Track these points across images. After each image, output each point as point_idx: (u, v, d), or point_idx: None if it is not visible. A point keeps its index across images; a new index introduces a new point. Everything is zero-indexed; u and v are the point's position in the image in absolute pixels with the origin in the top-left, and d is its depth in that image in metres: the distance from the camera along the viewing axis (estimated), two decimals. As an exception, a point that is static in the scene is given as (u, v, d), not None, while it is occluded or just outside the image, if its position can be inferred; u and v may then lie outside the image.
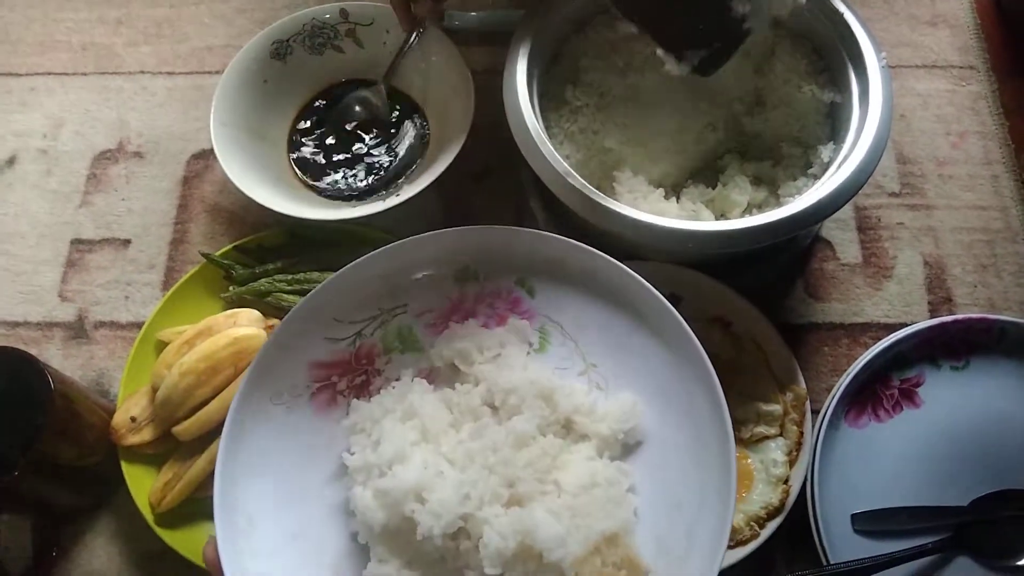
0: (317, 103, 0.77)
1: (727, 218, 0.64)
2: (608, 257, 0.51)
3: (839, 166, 0.61)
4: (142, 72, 0.84)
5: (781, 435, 0.61)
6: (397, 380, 0.50)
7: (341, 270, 0.51)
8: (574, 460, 0.47)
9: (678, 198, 0.65)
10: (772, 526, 0.58)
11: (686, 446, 0.47)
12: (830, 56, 0.67)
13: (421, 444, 0.47)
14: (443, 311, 0.53)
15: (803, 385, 0.62)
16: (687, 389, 0.48)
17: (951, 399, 0.63)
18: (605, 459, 0.48)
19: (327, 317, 0.51)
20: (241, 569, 0.43)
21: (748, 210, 0.65)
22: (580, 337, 0.52)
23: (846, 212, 0.73)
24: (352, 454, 0.48)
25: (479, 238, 0.52)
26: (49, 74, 0.84)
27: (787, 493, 0.59)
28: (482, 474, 0.45)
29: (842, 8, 0.66)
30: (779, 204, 0.64)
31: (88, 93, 0.83)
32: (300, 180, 0.74)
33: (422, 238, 0.52)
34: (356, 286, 0.51)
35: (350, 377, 0.51)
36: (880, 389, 0.63)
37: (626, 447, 0.49)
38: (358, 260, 0.51)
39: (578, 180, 0.58)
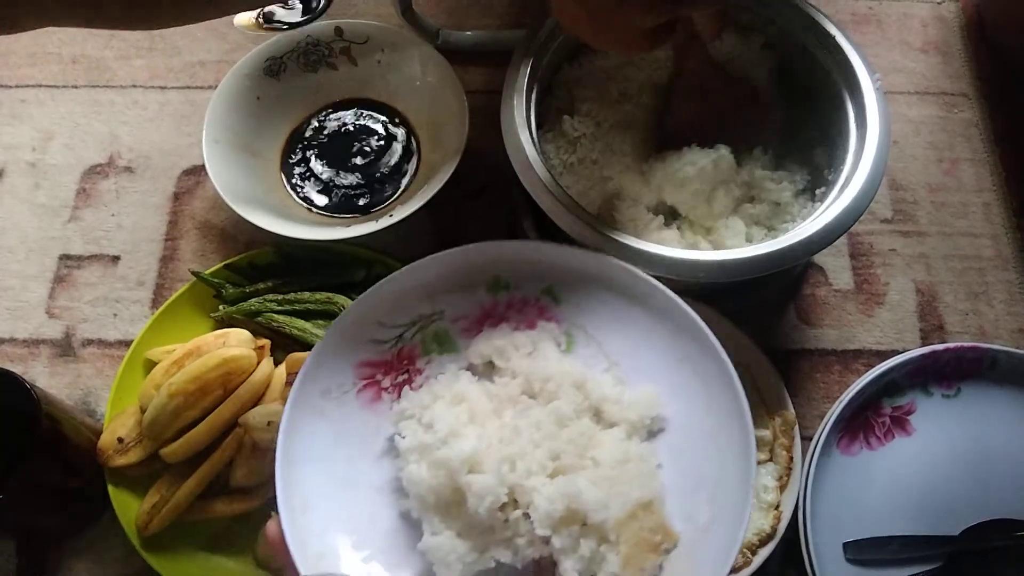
0: (311, 121, 0.77)
1: (726, 247, 0.64)
2: (625, 264, 0.55)
3: (839, 191, 0.61)
4: (134, 86, 0.83)
5: (771, 460, 0.61)
6: (440, 374, 0.55)
7: (383, 280, 0.56)
8: (607, 441, 0.51)
9: (679, 227, 0.65)
10: (764, 553, 0.58)
11: (706, 429, 0.51)
12: (820, 80, 0.67)
13: (471, 425, 0.51)
14: (476, 317, 0.57)
15: (792, 410, 0.62)
16: (703, 377, 0.52)
17: (943, 427, 0.63)
18: (635, 440, 0.51)
19: (371, 321, 0.56)
20: (302, 544, 0.47)
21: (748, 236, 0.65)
22: (603, 338, 0.56)
23: (839, 238, 0.73)
24: (403, 438, 0.51)
25: (509, 251, 0.57)
26: (40, 86, 0.83)
27: (778, 519, 0.59)
28: (528, 447, 0.49)
29: (834, 31, 0.66)
30: (776, 231, 0.64)
31: (79, 106, 0.82)
32: (292, 198, 0.74)
33: (456, 251, 0.56)
34: (397, 294, 0.56)
35: (393, 376, 0.55)
36: (872, 417, 0.63)
37: (651, 432, 0.53)
38: (398, 271, 0.56)
39: (580, 211, 0.58)
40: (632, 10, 0.52)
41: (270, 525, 0.48)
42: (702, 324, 0.52)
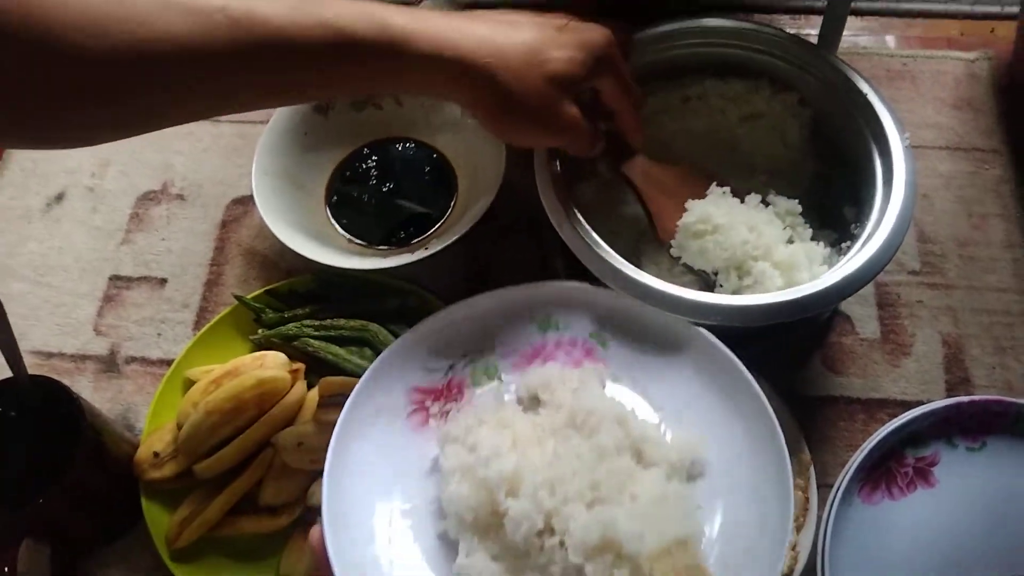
0: (355, 156, 0.80)
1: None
2: (677, 317, 0.57)
3: (864, 243, 0.62)
4: (190, 119, 0.87)
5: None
6: (489, 401, 0.57)
7: (441, 311, 0.58)
8: (646, 479, 0.51)
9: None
10: (781, 597, 0.58)
11: (745, 477, 0.52)
12: (852, 136, 0.69)
13: (513, 450, 0.52)
14: (526, 353, 0.59)
15: (807, 451, 0.63)
16: (747, 427, 0.53)
17: (967, 480, 0.63)
18: (674, 481, 0.52)
19: (424, 350, 0.58)
20: (342, 553, 0.48)
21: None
22: (648, 382, 0.57)
23: (866, 288, 0.72)
24: (447, 459, 0.53)
25: (561, 292, 0.60)
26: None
27: (795, 560, 0.59)
28: (568, 475, 0.50)
29: (866, 89, 0.68)
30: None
31: (137, 137, 0.86)
32: (334, 229, 0.77)
33: (511, 290, 0.59)
34: (451, 324, 0.58)
35: (442, 403, 0.57)
36: (894, 466, 0.63)
37: (691, 476, 0.54)
38: (457, 304, 0.58)
39: (608, 252, 0.60)
40: (559, 91, 0.54)
41: (314, 531, 0.49)
42: (748, 376, 0.53)
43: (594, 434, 0.53)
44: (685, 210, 0.64)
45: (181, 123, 0.49)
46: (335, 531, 0.49)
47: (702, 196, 0.65)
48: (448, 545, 0.52)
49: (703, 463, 0.53)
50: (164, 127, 0.49)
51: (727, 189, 0.65)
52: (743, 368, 0.53)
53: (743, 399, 0.53)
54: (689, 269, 0.65)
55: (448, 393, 0.58)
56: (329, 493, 0.50)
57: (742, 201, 0.66)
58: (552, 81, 0.53)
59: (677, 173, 0.67)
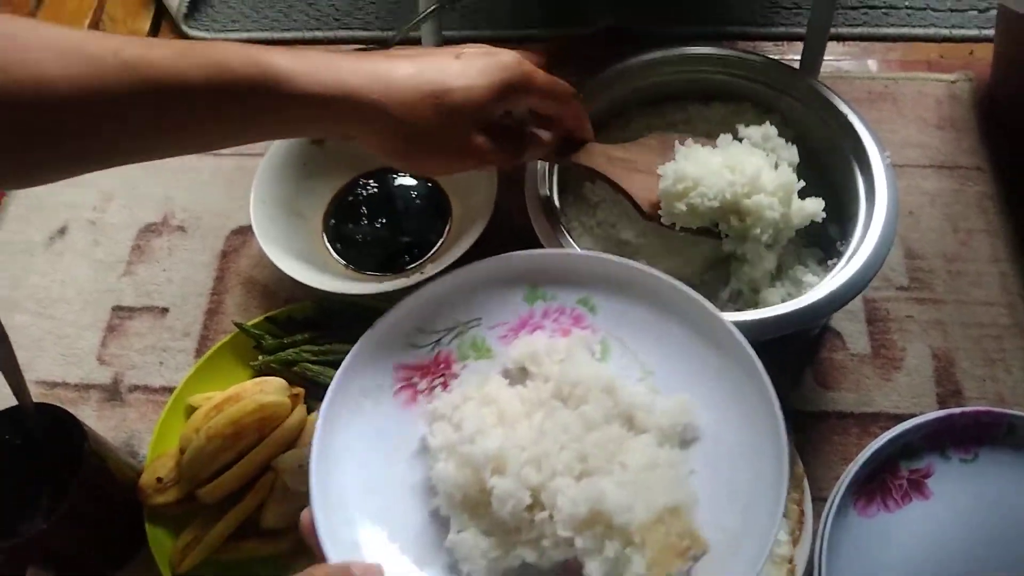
0: (352, 185, 0.82)
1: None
2: (663, 276, 0.56)
3: (849, 258, 0.64)
4: (189, 153, 0.89)
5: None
6: (473, 377, 0.56)
7: (423, 286, 0.58)
8: (636, 446, 0.51)
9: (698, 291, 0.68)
10: (780, 610, 0.59)
11: (740, 441, 0.51)
12: (835, 156, 0.70)
13: (499, 426, 0.52)
14: (513, 325, 0.58)
15: (800, 464, 0.63)
16: (739, 389, 0.52)
17: (961, 491, 0.63)
18: (666, 447, 0.52)
19: (410, 326, 0.57)
20: (332, 534, 0.48)
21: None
22: (638, 348, 0.57)
23: (855, 304, 0.75)
24: (434, 437, 0.53)
25: (546, 260, 0.59)
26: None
27: (792, 573, 0.59)
28: (554, 449, 0.50)
29: (846, 110, 0.70)
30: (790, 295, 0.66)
31: (138, 170, 0.84)
32: (332, 256, 0.78)
33: (494, 260, 0.58)
34: (435, 300, 0.58)
35: (429, 379, 0.57)
36: (889, 479, 0.64)
37: (683, 441, 0.53)
38: (438, 279, 0.58)
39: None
40: (460, 122, 0.53)
41: (304, 514, 0.49)
42: (740, 336, 0.53)
43: (581, 405, 0.52)
44: (660, 177, 0.63)
45: (96, 169, 0.49)
46: (325, 514, 0.49)
47: (671, 158, 0.64)
48: (440, 521, 0.51)
49: (695, 428, 0.53)
50: (77, 173, 0.49)
51: (690, 140, 0.65)
52: (733, 328, 0.53)
53: (734, 360, 0.53)
54: (691, 231, 0.64)
55: (435, 369, 0.57)
56: (317, 476, 0.50)
57: (715, 146, 0.65)
58: (452, 113, 0.52)
59: (640, 147, 0.66)
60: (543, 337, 0.57)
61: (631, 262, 0.58)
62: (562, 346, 0.56)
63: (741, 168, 0.61)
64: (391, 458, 0.54)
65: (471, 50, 0.55)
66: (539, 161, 0.67)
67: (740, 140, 0.66)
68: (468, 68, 0.53)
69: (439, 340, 0.58)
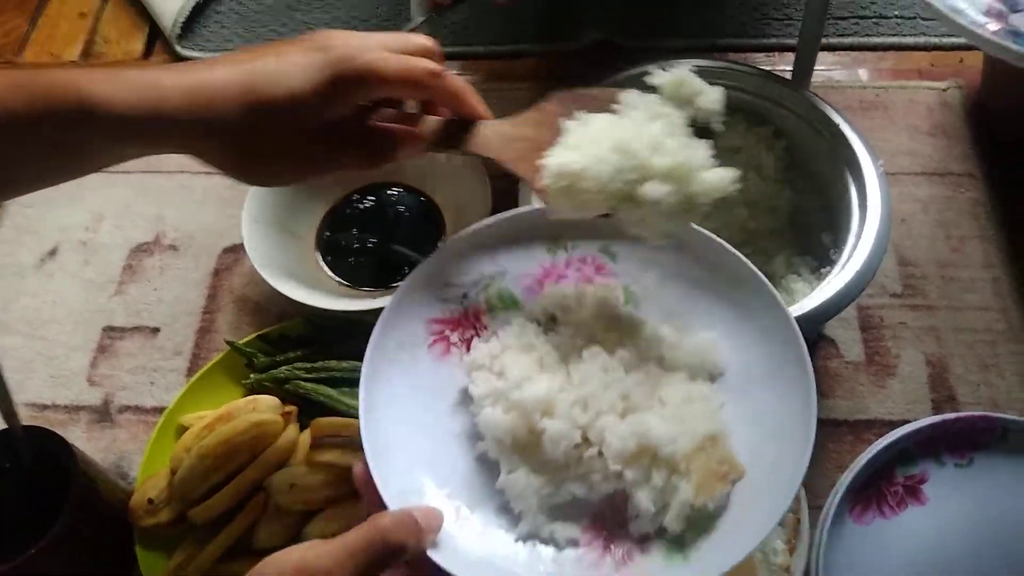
0: (345, 202, 0.82)
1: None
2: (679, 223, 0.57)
3: (843, 266, 0.64)
4: (182, 172, 0.89)
5: (778, 523, 0.62)
6: (508, 326, 0.57)
7: (448, 242, 0.59)
8: (672, 383, 0.53)
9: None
10: (779, 621, 0.58)
11: (766, 373, 0.53)
12: (828, 165, 0.70)
13: (541, 372, 0.54)
14: (538, 275, 0.60)
15: None
16: (762, 325, 0.55)
17: (957, 497, 0.63)
18: (697, 382, 0.54)
19: (440, 281, 0.59)
20: (386, 483, 0.49)
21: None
22: (660, 292, 0.58)
23: (849, 312, 0.75)
24: (477, 386, 0.54)
25: None
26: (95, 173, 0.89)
27: (790, 584, 0.59)
28: (599, 390, 0.52)
29: (838, 119, 0.70)
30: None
31: (130, 190, 0.88)
32: (325, 273, 0.78)
33: (516, 212, 0.60)
34: (462, 255, 0.59)
35: (461, 332, 0.58)
36: (884, 485, 0.64)
37: (712, 376, 0.55)
38: (462, 233, 0.59)
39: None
40: (294, 129, 0.50)
41: (357, 466, 0.50)
42: (756, 271, 0.55)
43: (617, 348, 0.54)
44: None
45: None
46: (378, 464, 0.50)
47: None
48: (487, 464, 0.53)
49: (722, 364, 0.55)
50: None
51: (590, 95, 0.56)
52: (749, 264, 0.55)
53: (752, 294, 0.55)
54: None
55: (466, 322, 0.58)
56: (367, 428, 0.51)
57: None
58: (270, 118, 0.48)
59: (536, 117, 0.56)
60: (569, 285, 0.59)
61: None
62: (589, 293, 0.58)
63: (628, 148, 0.51)
64: (431, 408, 0.55)
65: (296, 45, 0.49)
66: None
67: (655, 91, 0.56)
68: (285, 66, 0.48)
69: (466, 294, 0.59)
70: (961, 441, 0.64)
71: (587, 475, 0.51)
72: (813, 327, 0.67)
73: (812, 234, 0.72)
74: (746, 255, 0.71)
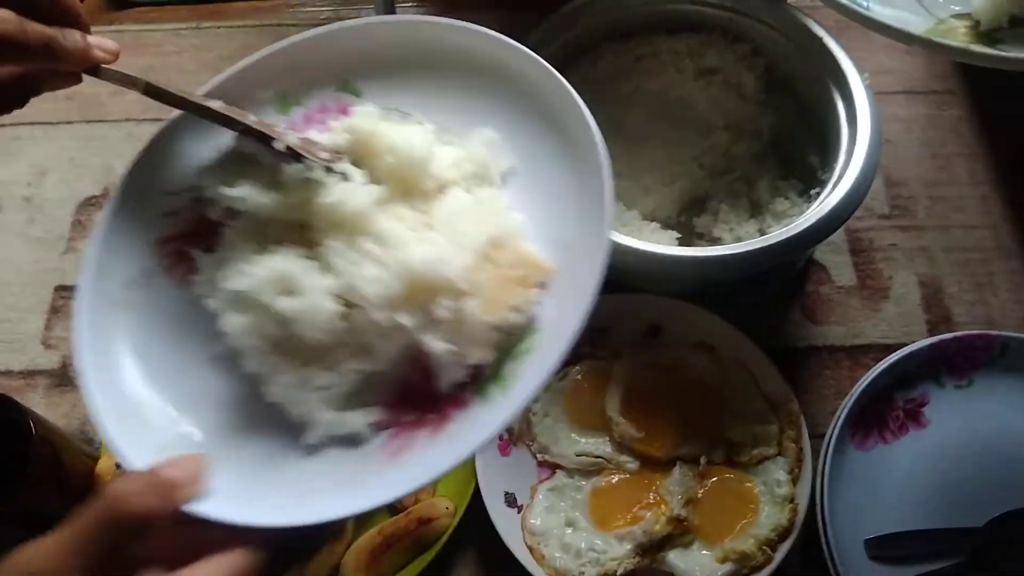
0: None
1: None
2: (434, 20, 0.50)
3: (832, 188, 0.61)
4: (128, 119, 0.84)
5: (780, 454, 0.60)
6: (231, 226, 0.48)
7: (140, 152, 0.49)
8: (442, 202, 0.46)
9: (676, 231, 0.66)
10: (784, 548, 0.57)
11: (557, 157, 0.46)
12: (811, 82, 0.67)
13: (267, 252, 0.45)
14: None
15: (795, 401, 0.61)
16: (544, 111, 0.47)
17: (957, 418, 0.62)
18: (476, 191, 0.47)
19: (155, 193, 0.49)
20: (137, 449, 0.42)
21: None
22: (420, 109, 0.50)
23: (838, 235, 0.72)
24: (213, 300, 0.46)
25: (292, 54, 0.51)
26: (34, 124, 0.83)
27: (795, 512, 0.57)
28: (340, 244, 0.44)
29: (821, 33, 0.67)
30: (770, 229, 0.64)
31: (73, 141, 0.83)
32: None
33: (219, 79, 0.50)
34: (174, 156, 0.49)
35: (203, 242, 0.48)
36: (885, 410, 0.62)
37: (499, 178, 0.48)
38: (158, 131, 0.49)
39: None
40: None
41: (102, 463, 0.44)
42: (540, 60, 0.47)
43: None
44: None
45: None
46: (121, 432, 0.42)
47: None
48: (260, 382, 0.44)
49: (507, 161, 0.48)
50: None
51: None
52: (533, 55, 0.47)
53: (536, 85, 0.47)
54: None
55: (205, 229, 0.48)
56: (100, 395, 0.43)
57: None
58: None
59: None
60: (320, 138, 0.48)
61: (389, 19, 0.52)
62: (327, 141, 0.48)
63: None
64: (183, 342, 0.46)
65: None
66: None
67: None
68: None
69: (197, 199, 0.49)
70: (960, 361, 0.63)
71: (366, 345, 0.43)
72: (805, 249, 0.65)
73: (797, 156, 0.69)
74: (730, 181, 0.70)
